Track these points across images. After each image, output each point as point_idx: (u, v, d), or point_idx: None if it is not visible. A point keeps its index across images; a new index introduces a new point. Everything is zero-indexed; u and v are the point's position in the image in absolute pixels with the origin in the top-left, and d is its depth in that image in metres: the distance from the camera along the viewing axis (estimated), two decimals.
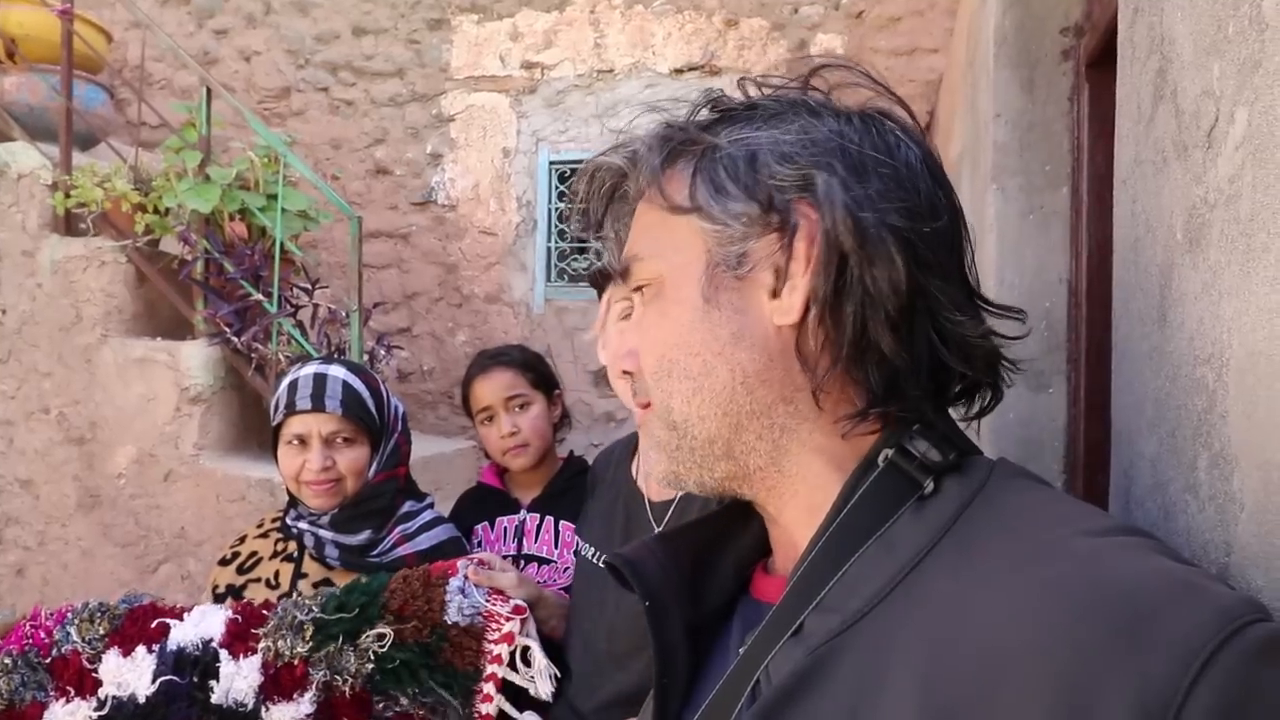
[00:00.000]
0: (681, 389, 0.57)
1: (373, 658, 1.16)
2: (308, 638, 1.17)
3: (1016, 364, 0.59)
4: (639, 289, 0.61)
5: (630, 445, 1.39)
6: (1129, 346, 0.76)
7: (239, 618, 1.22)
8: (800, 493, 0.56)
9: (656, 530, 1.14)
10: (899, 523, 0.51)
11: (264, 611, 1.23)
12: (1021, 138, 1.90)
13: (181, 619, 1.24)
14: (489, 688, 1.19)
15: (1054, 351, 1.77)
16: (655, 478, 0.62)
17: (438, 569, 1.26)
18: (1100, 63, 1.72)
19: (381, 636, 1.16)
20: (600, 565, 1.30)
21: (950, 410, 0.58)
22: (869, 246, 0.52)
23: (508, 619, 1.22)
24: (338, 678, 1.16)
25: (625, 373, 0.65)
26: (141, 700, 1.16)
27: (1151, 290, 0.69)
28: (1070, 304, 1.80)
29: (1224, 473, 0.54)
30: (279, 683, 1.17)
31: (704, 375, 0.56)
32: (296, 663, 1.17)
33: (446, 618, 1.20)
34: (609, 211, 0.65)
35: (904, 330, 0.53)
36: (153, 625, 1.22)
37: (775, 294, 0.55)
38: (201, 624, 1.23)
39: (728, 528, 0.66)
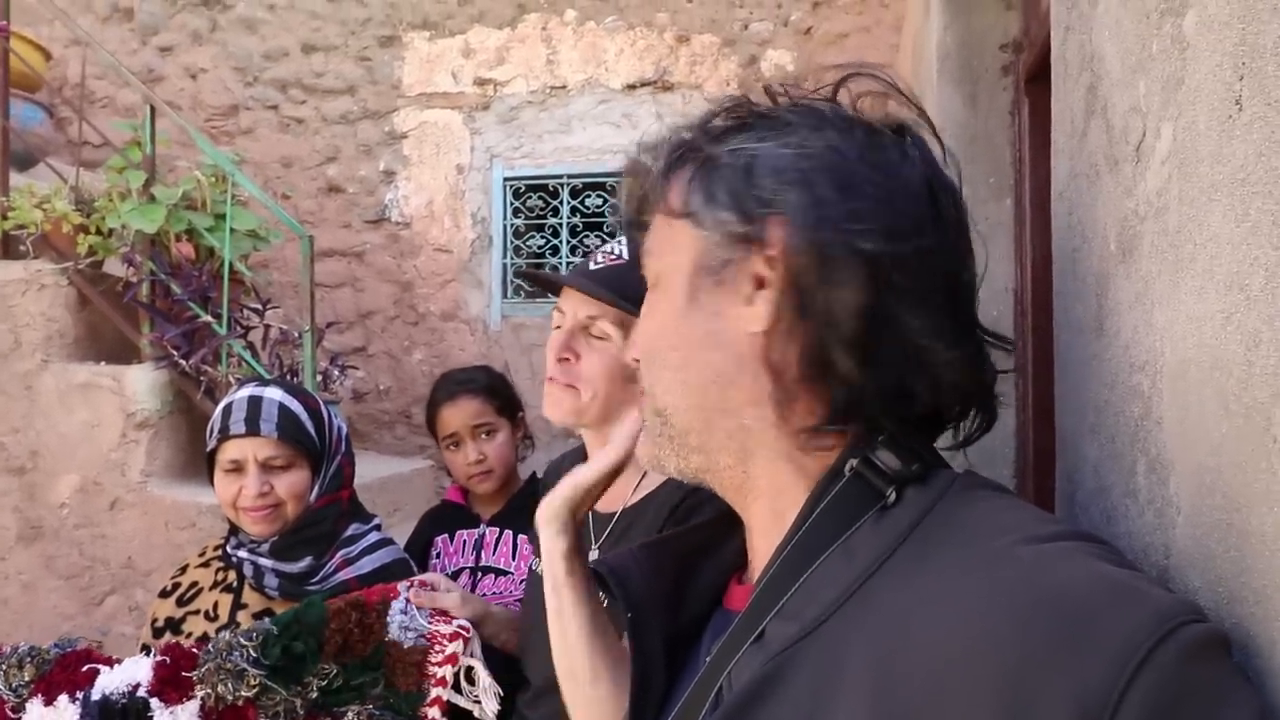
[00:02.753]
0: (664, 378, 0.61)
1: (317, 690, 1.13)
2: (251, 683, 1.14)
3: (999, 396, 0.60)
4: (650, 284, 0.65)
5: (579, 456, 1.39)
6: (1070, 355, 0.78)
7: (166, 659, 1.17)
8: (765, 496, 0.58)
9: (594, 544, 1.14)
10: (859, 531, 0.52)
11: (194, 651, 1.19)
12: (965, 151, 1.94)
13: (112, 666, 1.19)
14: (434, 711, 1.17)
15: (1002, 360, 1.81)
16: (640, 458, 0.65)
17: (377, 593, 1.24)
18: (1039, 78, 1.77)
19: (325, 676, 1.14)
20: None
21: (940, 432, 0.59)
22: (829, 268, 0.54)
23: (450, 639, 1.20)
24: (284, 709, 1.13)
25: (635, 360, 0.68)
26: None
27: (1089, 299, 0.71)
28: (1016, 312, 1.84)
29: (1161, 477, 0.55)
30: None
31: (682, 368, 0.59)
32: (241, 703, 1.14)
33: (388, 636, 1.19)
34: (642, 210, 0.68)
35: (863, 352, 0.54)
36: (82, 670, 1.17)
37: (748, 302, 0.57)
38: (128, 669, 1.17)
39: (711, 539, 0.67)
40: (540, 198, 4.24)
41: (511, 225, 4.27)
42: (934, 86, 1.99)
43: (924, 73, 2.21)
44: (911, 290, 0.54)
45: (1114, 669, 0.38)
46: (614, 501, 1.14)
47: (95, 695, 1.14)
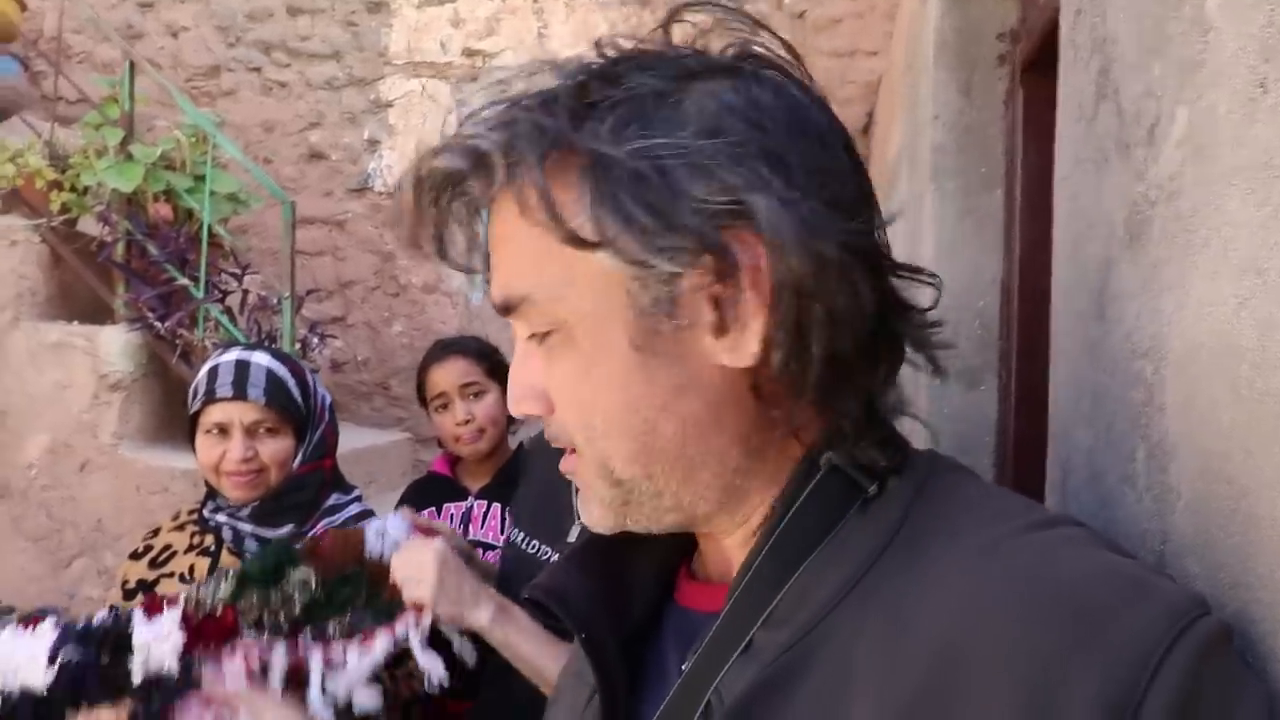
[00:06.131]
0: (622, 449, 0.50)
1: (299, 606, 1.09)
2: (230, 585, 1.09)
3: (945, 346, 0.54)
4: (535, 335, 0.52)
5: None
6: (1067, 341, 0.78)
7: (146, 605, 1.13)
8: (746, 519, 0.53)
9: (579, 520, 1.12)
10: (846, 527, 0.49)
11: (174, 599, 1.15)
12: (958, 140, 1.94)
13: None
14: (412, 620, 1.11)
15: (986, 350, 1.82)
16: (596, 527, 0.55)
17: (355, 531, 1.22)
18: (1035, 67, 1.76)
19: (306, 590, 1.10)
20: (530, 552, 1.29)
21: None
22: (828, 273, 0.46)
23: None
24: (268, 619, 1.08)
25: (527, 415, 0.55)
26: (41, 690, 1.02)
27: (1091, 286, 0.71)
28: (1003, 303, 1.85)
29: (1161, 463, 0.55)
30: (203, 635, 1.06)
31: (648, 433, 0.49)
32: (220, 610, 1.08)
33: (368, 554, 1.16)
34: (448, 221, 0.53)
35: (875, 356, 0.50)
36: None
37: (719, 332, 0.48)
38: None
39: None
40: None
41: None
42: (929, 74, 1.98)
43: (919, 61, 2.21)
44: (882, 258, 0.50)
45: (1136, 668, 0.38)
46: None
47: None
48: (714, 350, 0.48)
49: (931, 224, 1.90)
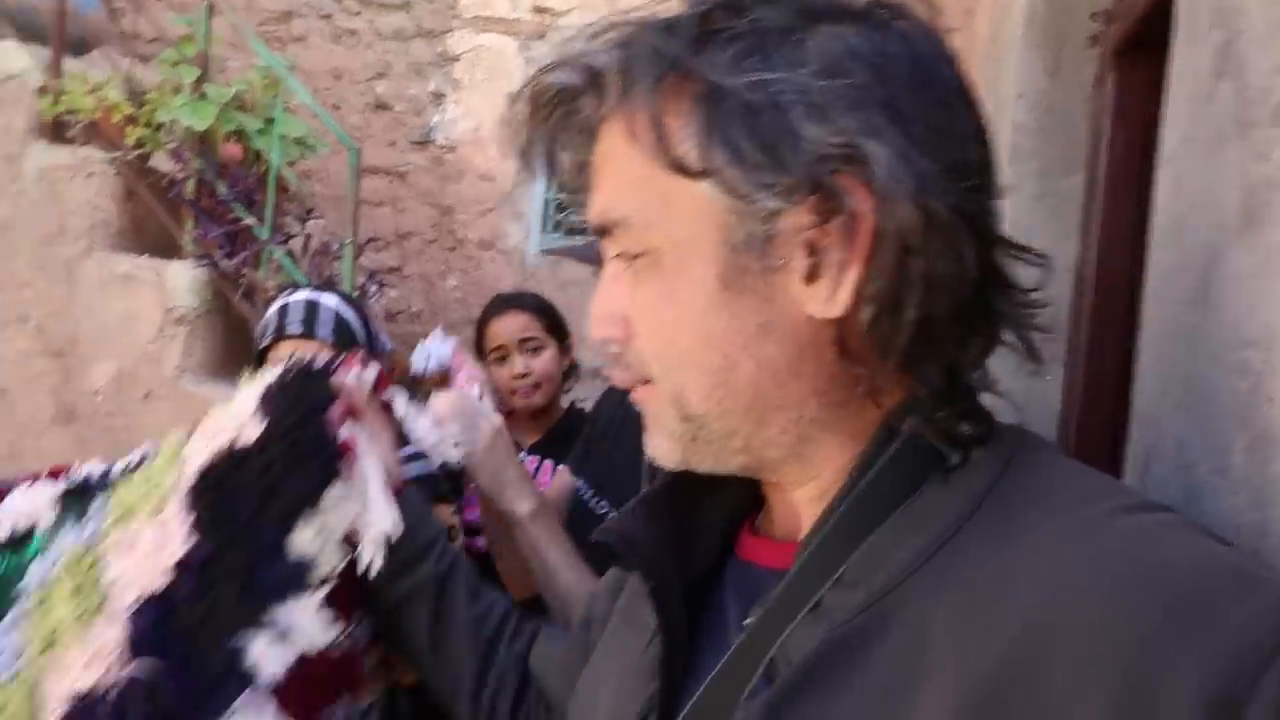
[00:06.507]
0: (698, 383, 0.50)
1: None
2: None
3: (1044, 330, 0.53)
4: (626, 255, 0.51)
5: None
6: (1161, 328, 0.75)
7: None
8: (818, 474, 0.52)
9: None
10: (925, 495, 0.48)
11: None
12: (1040, 120, 1.88)
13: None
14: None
15: (1054, 339, 1.77)
16: (662, 461, 0.55)
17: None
18: (1128, 50, 1.70)
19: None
20: (593, 506, 1.28)
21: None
22: (935, 233, 0.45)
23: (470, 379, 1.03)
24: None
25: (606, 339, 0.54)
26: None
27: (1193, 271, 0.68)
28: (1075, 293, 1.80)
29: (1264, 456, 0.53)
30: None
31: (726, 370, 0.49)
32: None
33: (413, 372, 1.06)
34: (558, 136, 0.53)
35: (969, 326, 0.49)
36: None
37: (810, 279, 0.47)
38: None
39: (706, 479, 0.58)
40: None
41: None
42: (1015, 51, 1.92)
43: (1005, 36, 2.14)
44: (996, 230, 0.49)
45: (1243, 665, 0.36)
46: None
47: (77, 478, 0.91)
48: (802, 297, 0.48)
49: (1006, 204, 1.85)
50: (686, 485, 0.59)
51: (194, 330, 3.06)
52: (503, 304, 1.88)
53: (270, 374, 0.81)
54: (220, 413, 0.81)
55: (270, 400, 0.78)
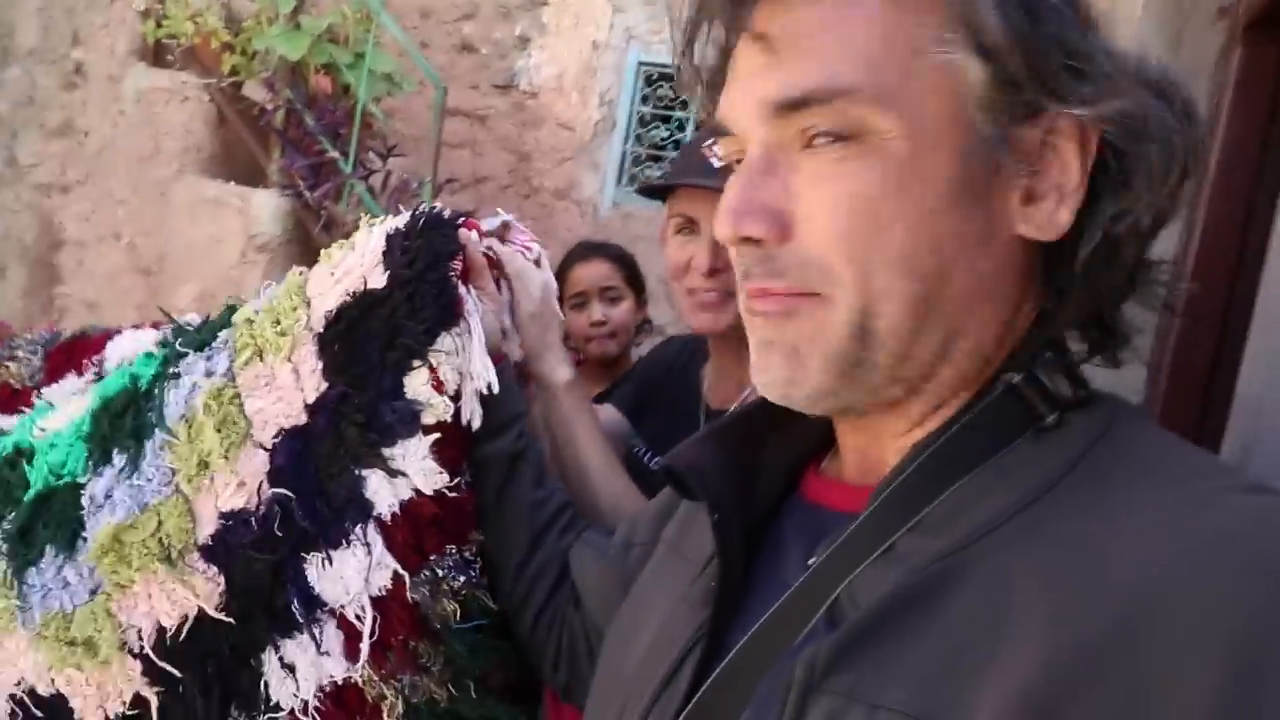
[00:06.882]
0: (905, 292, 0.45)
1: None
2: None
3: (1169, 308, 0.53)
4: (825, 136, 0.45)
5: (690, 344, 1.36)
6: (1276, 313, 0.71)
7: None
8: (920, 419, 0.51)
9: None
10: (1014, 452, 0.47)
11: None
12: None
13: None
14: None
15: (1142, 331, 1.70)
16: (778, 394, 0.50)
17: None
18: (1259, 25, 1.59)
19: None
20: (650, 464, 1.28)
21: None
22: (1171, 190, 0.46)
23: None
24: None
25: (746, 240, 0.47)
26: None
27: None
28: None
29: None
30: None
31: (938, 279, 0.45)
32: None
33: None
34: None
35: (1143, 267, 0.49)
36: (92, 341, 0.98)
37: (1027, 198, 0.46)
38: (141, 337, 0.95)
39: (775, 414, 0.57)
40: (672, 88, 4.12)
41: (638, 112, 4.18)
42: (1136, 22, 1.82)
43: (1125, 4, 2.02)
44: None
45: None
46: (728, 399, 1.08)
47: (110, 364, 0.93)
48: (1016, 216, 0.46)
49: None
50: (754, 422, 0.58)
51: (274, 258, 3.14)
52: (587, 250, 1.89)
53: (398, 219, 0.82)
54: (342, 253, 0.82)
55: (398, 244, 0.79)
